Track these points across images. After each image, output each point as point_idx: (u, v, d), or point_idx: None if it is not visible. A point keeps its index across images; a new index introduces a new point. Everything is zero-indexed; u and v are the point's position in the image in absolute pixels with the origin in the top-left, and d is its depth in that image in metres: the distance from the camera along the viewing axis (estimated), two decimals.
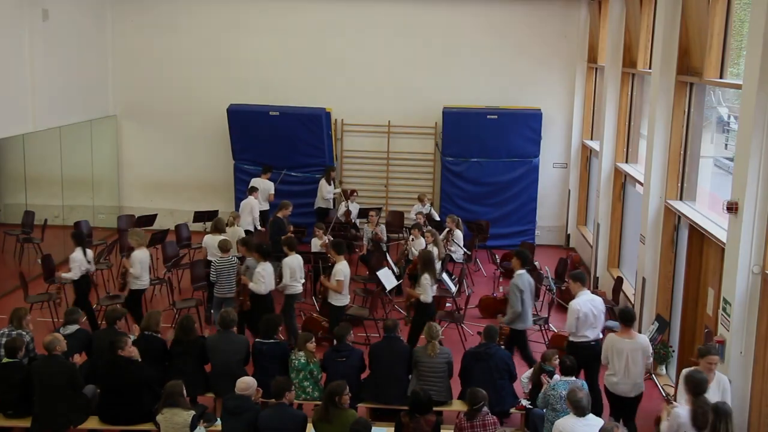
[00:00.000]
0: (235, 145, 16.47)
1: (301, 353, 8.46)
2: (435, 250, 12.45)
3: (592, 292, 13.07)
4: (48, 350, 7.82)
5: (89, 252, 11.07)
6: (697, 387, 6.64)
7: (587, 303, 8.65)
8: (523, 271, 9.59)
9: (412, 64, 16.63)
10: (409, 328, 10.35)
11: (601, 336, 8.71)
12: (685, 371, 6.93)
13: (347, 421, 6.84)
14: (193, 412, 7.07)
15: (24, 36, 13.63)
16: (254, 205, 14.16)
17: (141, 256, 10.75)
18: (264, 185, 15.06)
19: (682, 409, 6.71)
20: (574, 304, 8.60)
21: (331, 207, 15.76)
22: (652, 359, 8.46)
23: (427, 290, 9.99)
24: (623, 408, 8.00)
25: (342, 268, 10.28)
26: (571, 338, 8.73)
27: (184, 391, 7.19)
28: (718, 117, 10.43)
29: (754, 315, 7.35)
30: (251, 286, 10.25)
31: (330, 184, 15.71)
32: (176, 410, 7.04)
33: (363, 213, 14.88)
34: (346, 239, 13.67)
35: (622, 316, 8.13)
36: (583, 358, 8.35)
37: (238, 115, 16.17)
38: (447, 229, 13.54)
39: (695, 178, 10.13)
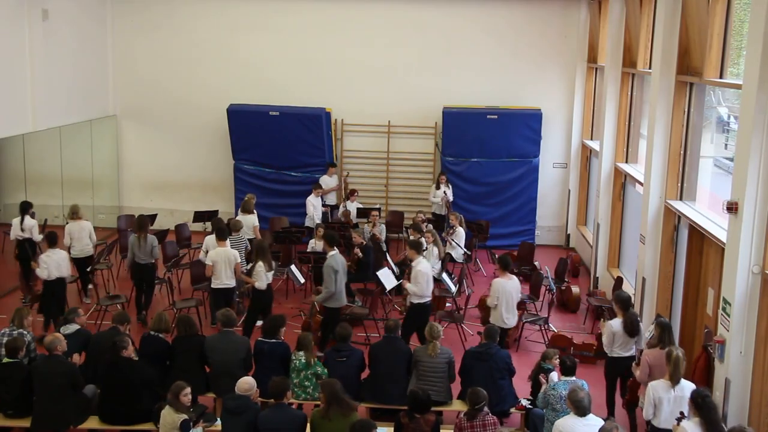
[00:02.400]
0: (235, 145, 16.48)
1: (301, 353, 8.46)
2: (435, 250, 12.48)
3: (591, 293, 13.20)
4: (49, 350, 7.83)
5: (29, 221, 12.03)
6: (625, 303, 8.57)
7: (428, 267, 10.13)
8: (335, 252, 10.36)
9: (412, 64, 16.63)
10: (245, 316, 10.73)
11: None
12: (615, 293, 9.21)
13: (348, 421, 6.84)
14: (184, 416, 7.05)
15: (24, 36, 13.63)
16: (314, 203, 14.47)
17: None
18: (326, 182, 15.53)
19: (615, 321, 8.52)
20: (423, 269, 9.96)
21: (443, 212, 15.22)
22: (521, 297, 10.41)
23: (261, 277, 10.48)
24: (503, 338, 9.67)
25: (212, 255, 10.81)
26: (416, 301, 9.99)
27: (186, 395, 7.17)
28: (718, 117, 10.43)
29: (754, 315, 7.35)
30: (37, 270, 10.81)
31: (439, 188, 15.39)
32: (170, 410, 7.10)
33: (362, 213, 14.90)
34: (344, 239, 13.71)
35: (501, 262, 10.10)
36: (425, 316, 9.85)
37: (238, 115, 16.17)
38: (451, 225, 13.58)
39: (695, 178, 10.13)
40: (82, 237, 12.06)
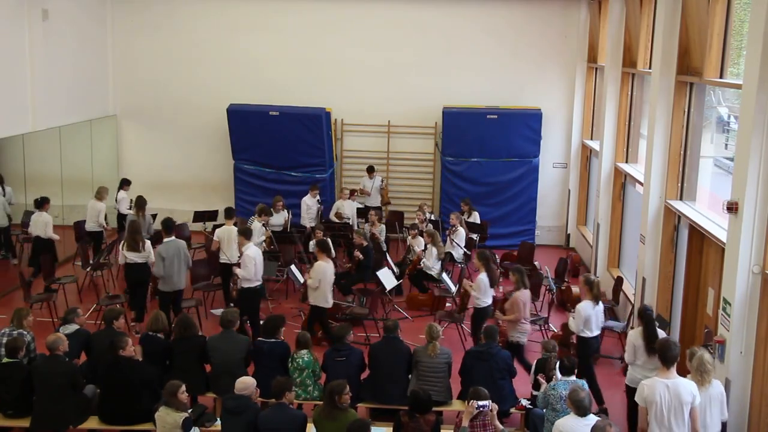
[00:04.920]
0: (235, 145, 16.48)
1: (304, 351, 8.47)
2: (435, 250, 12.49)
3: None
4: (51, 350, 7.82)
5: (121, 194, 14.60)
6: (487, 260, 10.25)
7: (257, 252, 10.79)
8: (171, 239, 11.04)
9: (412, 64, 16.63)
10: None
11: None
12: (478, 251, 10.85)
13: (347, 421, 6.84)
14: (185, 415, 7.04)
15: (24, 36, 13.63)
16: (309, 203, 14.68)
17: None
18: (367, 184, 16.11)
19: (482, 275, 10.16)
20: (250, 255, 10.59)
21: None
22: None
23: (120, 254, 11.34)
24: (323, 315, 10.69)
25: (218, 232, 12.00)
26: (245, 285, 10.65)
27: (183, 393, 7.17)
28: (718, 117, 10.43)
29: (754, 315, 7.35)
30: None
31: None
32: (169, 410, 7.08)
33: (361, 213, 14.88)
34: (344, 240, 13.73)
35: (319, 245, 10.81)
36: (256, 299, 10.81)
37: (238, 115, 16.17)
38: (452, 225, 13.60)
39: (695, 178, 10.13)
40: (91, 215, 13.76)
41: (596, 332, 9.14)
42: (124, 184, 14.82)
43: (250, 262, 10.49)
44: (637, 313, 8.46)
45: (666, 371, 6.84)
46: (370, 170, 16.09)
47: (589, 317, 9.01)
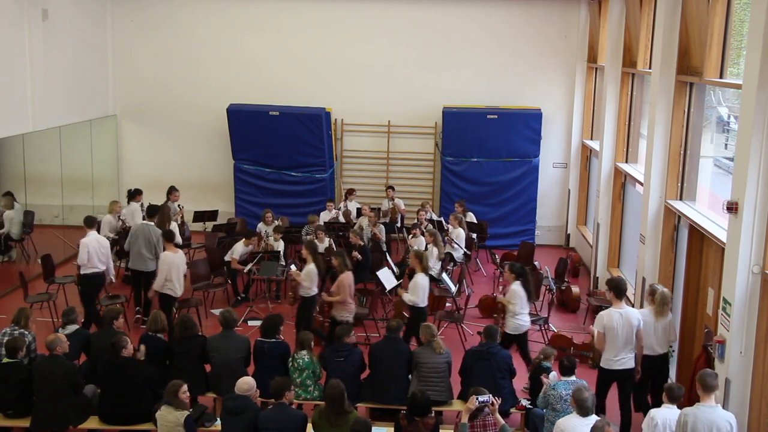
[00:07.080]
0: (235, 144, 16.48)
1: (304, 352, 8.47)
2: (435, 250, 12.48)
3: (591, 293, 13.17)
4: (49, 350, 7.83)
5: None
6: (315, 252, 10.67)
7: (90, 240, 11.04)
8: (151, 223, 11.66)
9: (412, 64, 16.64)
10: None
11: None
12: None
13: (347, 422, 6.84)
14: (186, 413, 7.05)
15: (24, 36, 13.63)
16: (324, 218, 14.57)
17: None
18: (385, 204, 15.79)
19: (311, 266, 10.44)
20: (84, 242, 10.99)
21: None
22: None
23: None
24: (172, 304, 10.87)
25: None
26: (82, 271, 11.04)
27: (185, 392, 7.18)
28: (718, 117, 10.43)
29: (754, 315, 7.35)
30: None
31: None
32: (170, 409, 7.10)
33: (361, 213, 14.87)
34: (343, 240, 13.72)
35: (165, 236, 11.08)
36: (90, 285, 11.07)
37: (238, 115, 16.17)
38: (449, 226, 13.60)
39: (695, 178, 10.13)
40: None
41: (426, 302, 10.31)
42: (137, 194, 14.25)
43: (83, 249, 10.95)
44: (511, 269, 9.69)
45: (618, 302, 8.45)
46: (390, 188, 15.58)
47: (425, 288, 10.20)
